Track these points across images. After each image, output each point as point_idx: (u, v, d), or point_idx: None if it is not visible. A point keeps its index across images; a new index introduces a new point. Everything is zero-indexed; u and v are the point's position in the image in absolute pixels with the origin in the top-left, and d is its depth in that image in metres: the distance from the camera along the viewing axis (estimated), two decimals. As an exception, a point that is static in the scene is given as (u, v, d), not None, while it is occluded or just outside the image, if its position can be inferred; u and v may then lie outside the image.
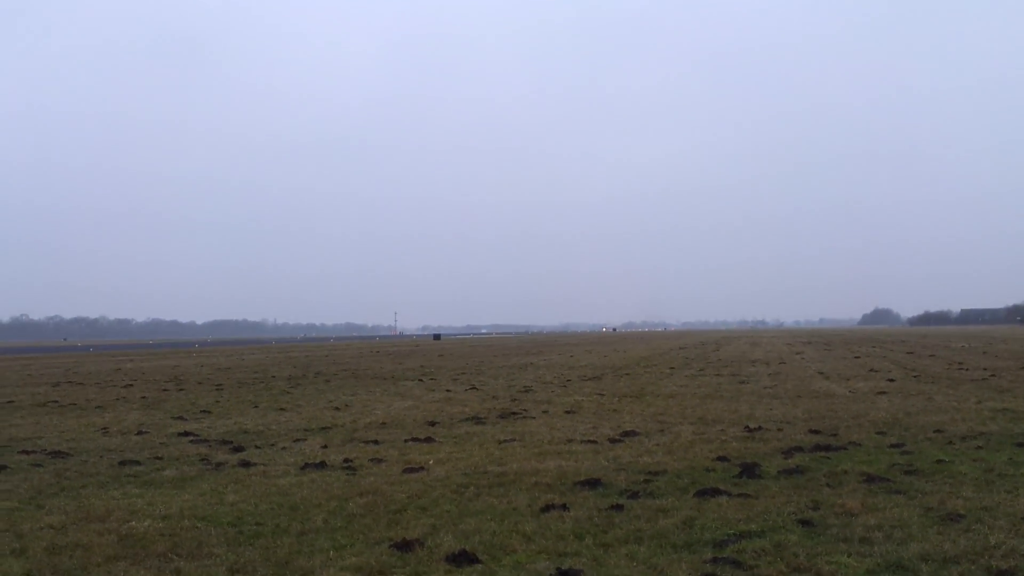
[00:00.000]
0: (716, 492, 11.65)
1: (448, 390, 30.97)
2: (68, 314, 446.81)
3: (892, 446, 15.56)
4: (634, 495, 11.72)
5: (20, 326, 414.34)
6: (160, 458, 15.98)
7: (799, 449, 15.31)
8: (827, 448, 15.30)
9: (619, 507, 10.98)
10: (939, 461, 13.84)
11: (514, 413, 22.37)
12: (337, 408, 24.77)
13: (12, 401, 29.54)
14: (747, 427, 18.40)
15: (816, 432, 17.49)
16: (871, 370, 37.91)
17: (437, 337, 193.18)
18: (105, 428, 20.78)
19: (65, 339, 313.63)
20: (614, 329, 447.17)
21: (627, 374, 39.09)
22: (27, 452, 16.96)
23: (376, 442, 17.43)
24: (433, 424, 20.30)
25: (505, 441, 17.17)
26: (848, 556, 8.69)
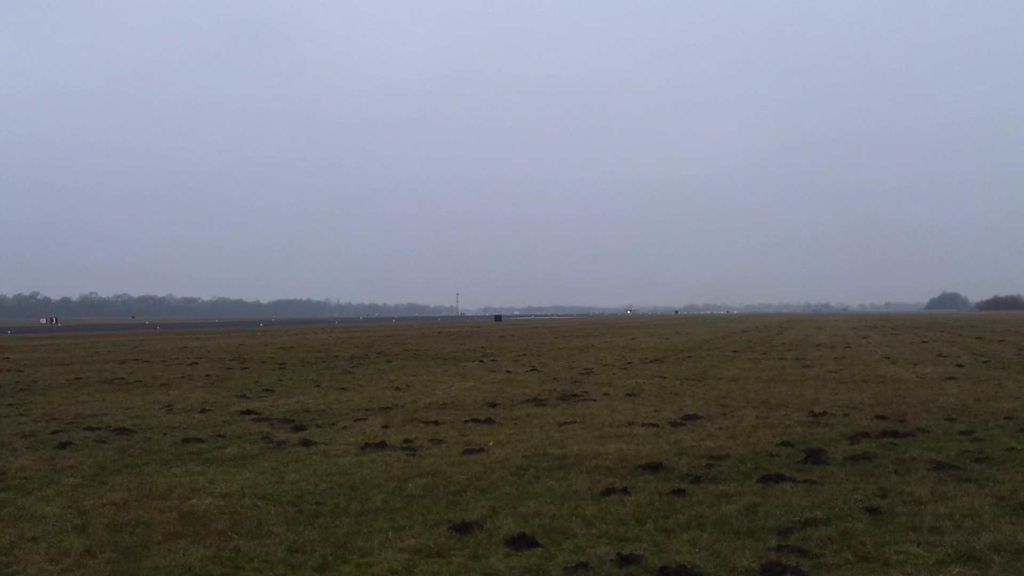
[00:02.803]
0: (780, 478, 11.44)
1: (509, 371, 30.92)
2: (136, 292, 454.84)
3: (961, 433, 15.20)
4: (696, 480, 11.55)
5: (89, 304, 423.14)
6: (222, 436, 16.10)
7: (865, 435, 15.01)
8: (894, 434, 14.98)
9: (681, 492, 10.82)
10: (1010, 449, 13.49)
11: (575, 395, 22.24)
12: (398, 388, 24.82)
13: (79, 378, 30.02)
14: (812, 412, 18.10)
15: (883, 418, 17.15)
16: (939, 355, 37.23)
17: (498, 318, 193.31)
18: (169, 406, 21.03)
19: (133, 317, 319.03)
20: (675, 311, 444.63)
21: (689, 357, 38.77)
22: (92, 429, 17.19)
23: (436, 423, 17.41)
24: (493, 405, 20.25)
25: (565, 423, 17.06)
26: (917, 546, 8.46)
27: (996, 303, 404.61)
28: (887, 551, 8.28)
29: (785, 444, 14.22)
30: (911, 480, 11.34)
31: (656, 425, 16.65)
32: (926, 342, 50.13)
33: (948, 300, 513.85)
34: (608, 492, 10.85)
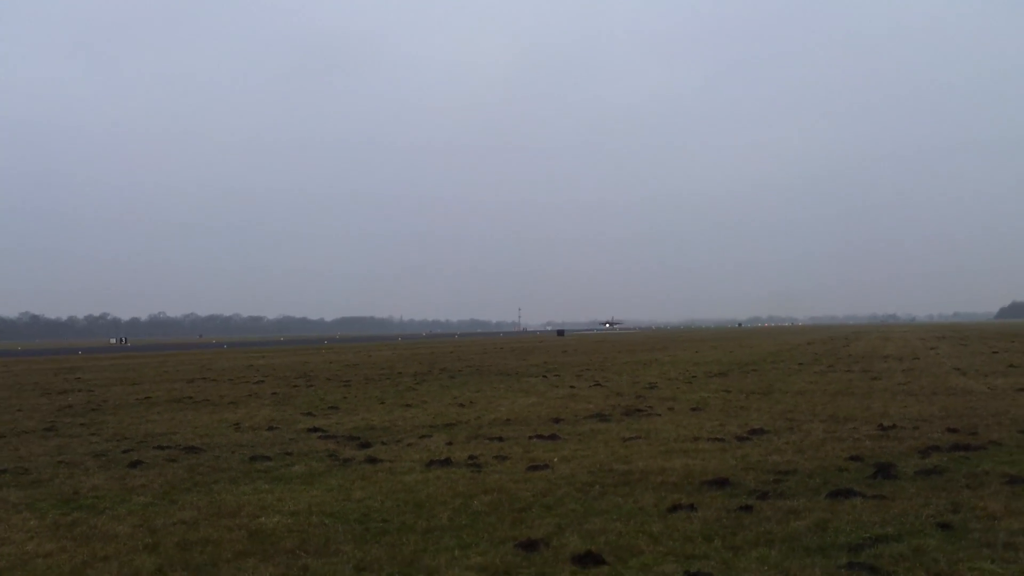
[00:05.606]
0: (850, 493, 11.28)
1: (572, 386, 30.84)
2: (203, 312, 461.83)
3: (1036, 446, 14.88)
4: (763, 495, 11.42)
5: (158, 323, 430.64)
6: (289, 454, 16.24)
7: (936, 448, 14.75)
8: (966, 447, 14.71)
9: (748, 508, 10.71)
10: (1088, 462, 13.17)
11: (639, 410, 22.12)
12: (462, 404, 24.87)
13: (149, 397, 30.50)
14: (881, 425, 17.84)
15: (954, 431, 16.85)
16: (1011, 366, 36.52)
17: (561, 333, 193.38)
18: (237, 424, 21.27)
19: (200, 336, 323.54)
20: (739, 324, 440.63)
21: (754, 370, 38.41)
22: (162, 447, 17.46)
23: (500, 439, 17.42)
24: (557, 421, 20.21)
25: (630, 439, 16.97)
26: (991, 562, 8.29)
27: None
28: (960, 568, 8.13)
29: (854, 458, 14.02)
30: (984, 495, 11.12)
31: (722, 440, 16.51)
32: (997, 352, 49.21)
33: (1018, 309, 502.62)
34: (675, 508, 10.77)
